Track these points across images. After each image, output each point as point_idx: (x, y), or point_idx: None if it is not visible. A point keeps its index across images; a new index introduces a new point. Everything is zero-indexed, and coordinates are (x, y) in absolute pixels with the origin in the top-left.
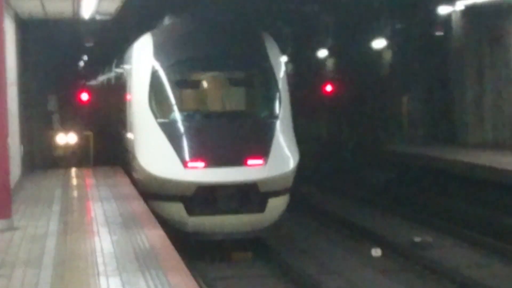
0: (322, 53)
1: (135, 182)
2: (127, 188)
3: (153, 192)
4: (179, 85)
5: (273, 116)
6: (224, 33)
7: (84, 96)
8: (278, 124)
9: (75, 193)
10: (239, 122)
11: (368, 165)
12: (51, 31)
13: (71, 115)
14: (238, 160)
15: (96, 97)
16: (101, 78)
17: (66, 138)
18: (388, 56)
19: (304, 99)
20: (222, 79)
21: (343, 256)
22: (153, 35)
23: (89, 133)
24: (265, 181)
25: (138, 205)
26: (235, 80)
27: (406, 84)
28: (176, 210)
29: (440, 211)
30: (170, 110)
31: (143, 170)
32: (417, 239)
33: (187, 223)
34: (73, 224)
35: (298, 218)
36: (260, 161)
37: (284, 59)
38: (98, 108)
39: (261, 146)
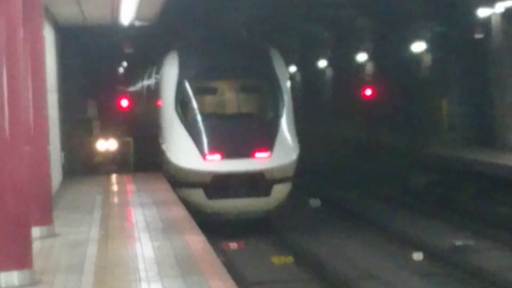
0: (361, 57)
1: (165, 173)
2: (168, 193)
3: (179, 180)
4: (199, 92)
5: (277, 117)
6: (236, 49)
7: (124, 102)
8: (281, 123)
9: (115, 199)
10: (249, 122)
11: (407, 168)
12: (90, 37)
13: (111, 121)
14: (247, 153)
15: (136, 103)
16: (140, 84)
17: (107, 145)
18: (427, 59)
19: (344, 103)
20: (235, 87)
21: (383, 259)
22: (179, 51)
23: (129, 139)
24: (270, 170)
25: (179, 211)
26: (245, 87)
27: (446, 87)
28: (197, 195)
29: (480, 215)
30: (192, 112)
31: (170, 162)
32: (458, 242)
33: (206, 205)
34: (114, 230)
35: (337, 223)
36: (266, 154)
37: (287, 70)
38: (137, 114)
39: (267, 142)
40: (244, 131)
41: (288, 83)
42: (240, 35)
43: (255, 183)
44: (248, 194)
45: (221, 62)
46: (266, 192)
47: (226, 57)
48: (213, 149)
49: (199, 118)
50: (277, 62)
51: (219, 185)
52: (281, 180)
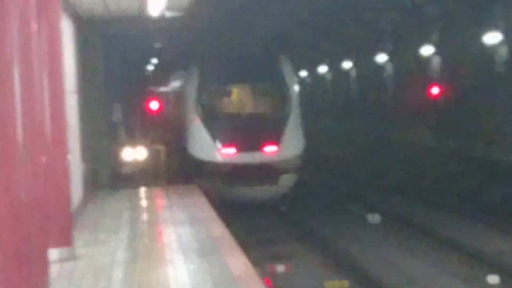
0: (427, 50)
1: (189, 166)
2: (204, 209)
3: (201, 171)
4: (217, 95)
5: (285, 117)
6: (250, 58)
7: (154, 105)
8: (288, 122)
9: (145, 216)
10: (260, 121)
11: (480, 179)
12: (115, 32)
13: (139, 127)
14: (259, 148)
15: (167, 106)
16: (171, 85)
17: (134, 153)
18: (503, 52)
19: (405, 102)
20: (248, 90)
21: (454, 281)
22: (198, 63)
23: (161, 147)
24: (277, 163)
25: (217, 229)
26: (257, 91)
27: None
28: (216, 183)
29: None
30: (211, 113)
31: (194, 156)
32: None
33: (224, 192)
34: (143, 251)
35: (403, 239)
36: (274, 148)
37: (295, 76)
38: (168, 118)
39: (275, 138)
40: (255, 129)
41: (296, 87)
42: (253, 46)
43: (265, 173)
44: (259, 183)
45: (235, 69)
46: (274, 181)
47: (240, 65)
48: (230, 144)
49: (217, 118)
50: (286, 68)
51: (235, 174)
52: (287, 171)
